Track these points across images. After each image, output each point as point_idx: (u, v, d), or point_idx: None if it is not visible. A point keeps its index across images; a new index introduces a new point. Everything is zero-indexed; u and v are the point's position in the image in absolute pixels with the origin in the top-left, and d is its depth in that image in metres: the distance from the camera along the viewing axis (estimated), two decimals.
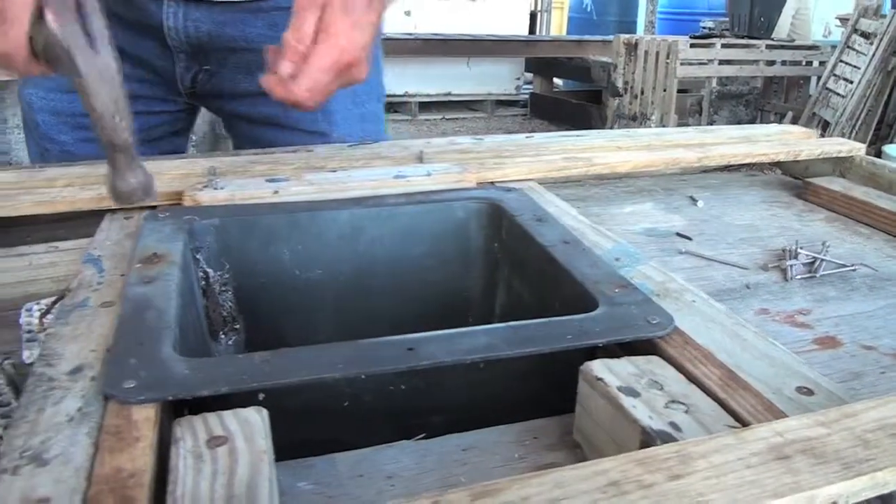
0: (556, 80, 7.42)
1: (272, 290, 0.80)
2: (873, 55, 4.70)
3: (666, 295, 0.65)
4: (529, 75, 7.32)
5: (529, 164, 0.97)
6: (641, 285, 0.65)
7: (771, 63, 5.43)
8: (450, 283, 0.85)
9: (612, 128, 5.25)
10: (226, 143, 2.91)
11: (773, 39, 5.56)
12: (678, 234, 0.91)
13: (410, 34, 6.53)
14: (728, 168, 1.20)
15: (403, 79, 6.57)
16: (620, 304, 0.61)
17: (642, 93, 5.27)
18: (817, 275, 0.81)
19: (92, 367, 0.51)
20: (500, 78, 7.00)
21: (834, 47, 5.18)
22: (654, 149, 1.09)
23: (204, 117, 3.17)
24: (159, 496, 0.41)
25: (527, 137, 1.13)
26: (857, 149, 1.12)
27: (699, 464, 0.40)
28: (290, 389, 0.49)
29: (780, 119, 5.40)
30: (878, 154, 3.63)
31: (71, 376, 0.50)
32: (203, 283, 0.76)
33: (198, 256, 0.75)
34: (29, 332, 0.63)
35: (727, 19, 5.74)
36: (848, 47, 4.95)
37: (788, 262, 0.82)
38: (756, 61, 5.37)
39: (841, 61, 4.96)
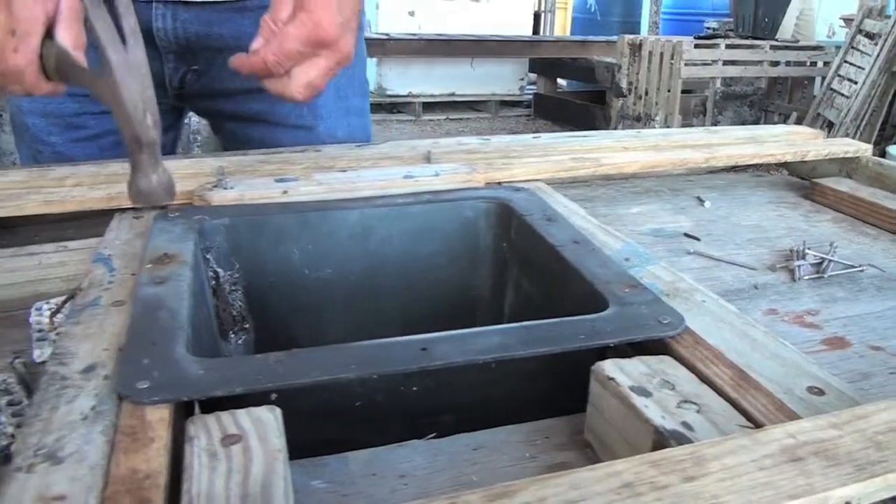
0: (560, 81, 7.43)
1: (282, 289, 0.80)
2: (878, 56, 4.70)
3: (676, 295, 0.65)
4: (533, 76, 7.33)
5: (537, 165, 0.98)
6: (651, 285, 0.65)
7: (775, 64, 5.43)
8: (459, 282, 0.85)
9: (615, 128, 5.25)
10: None
11: (777, 40, 5.56)
12: (686, 235, 0.91)
13: (414, 34, 6.54)
14: (734, 169, 1.20)
15: (407, 79, 6.58)
16: (631, 304, 0.61)
17: (646, 93, 5.26)
18: (825, 275, 0.81)
19: (105, 366, 0.51)
20: (503, 78, 7.00)
21: (838, 48, 5.17)
22: (662, 149, 1.09)
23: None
24: (173, 495, 0.41)
25: (534, 138, 1.13)
26: (864, 149, 1.12)
27: (713, 465, 0.40)
28: (303, 389, 0.49)
29: (784, 120, 5.40)
30: (883, 154, 3.63)
31: (84, 375, 0.50)
32: (213, 282, 0.76)
33: (208, 256, 0.75)
34: (39, 330, 0.63)
35: (731, 20, 5.75)
36: (852, 48, 4.94)
37: (796, 263, 0.82)
38: (760, 62, 5.37)
39: (845, 62, 4.95)
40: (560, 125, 6.48)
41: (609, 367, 0.52)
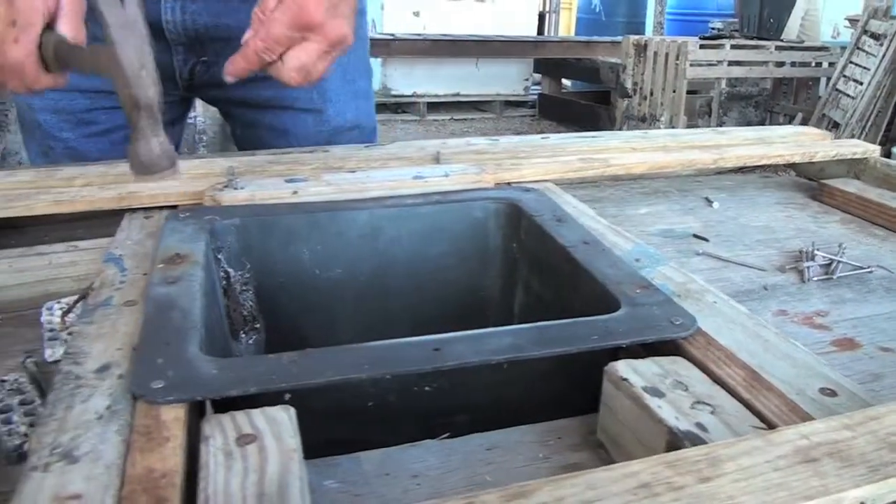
0: (565, 81, 7.42)
1: (292, 289, 0.80)
2: (883, 56, 4.69)
3: (687, 296, 0.65)
4: (538, 76, 7.32)
5: (546, 165, 0.98)
6: (662, 286, 0.65)
7: (780, 64, 5.42)
8: (468, 282, 0.86)
9: (620, 129, 5.25)
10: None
11: (782, 40, 5.55)
12: (695, 236, 0.91)
13: (419, 35, 6.54)
14: (742, 170, 1.20)
15: (412, 79, 6.58)
16: (643, 304, 0.61)
17: (651, 94, 5.26)
18: (834, 276, 0.81)
19: (119, 366, 0.52)
20: (508, 79, 7.00)
21: (843, 48, 5.17)
22: (670, 150, 1.09)
23: (214, 117, 3.18)
24: (188, 494, 0.41)
25: (542, 138, 1.13)
26: (872, 150, 1.12)
27: (728, 466, 0.40)
28: (316, 389, 0.50)
29: (789, 120, 5.39)
30: (888, 155, 3.62)
31: (98, 374, 0.51)
32: (224, 282, 0.76)
33: (219, 256, 0.75)
34: (51, 330, 0.63)
35: (736, 20, 5.73)
36: (857, 48, 4.93)
37: (805, 264, 0.82)
38: (765, 62, 5.36)
39: (850, 62, 4.94)
40: (565, 126, 6.47)
41: (622, 367, 0.52)
